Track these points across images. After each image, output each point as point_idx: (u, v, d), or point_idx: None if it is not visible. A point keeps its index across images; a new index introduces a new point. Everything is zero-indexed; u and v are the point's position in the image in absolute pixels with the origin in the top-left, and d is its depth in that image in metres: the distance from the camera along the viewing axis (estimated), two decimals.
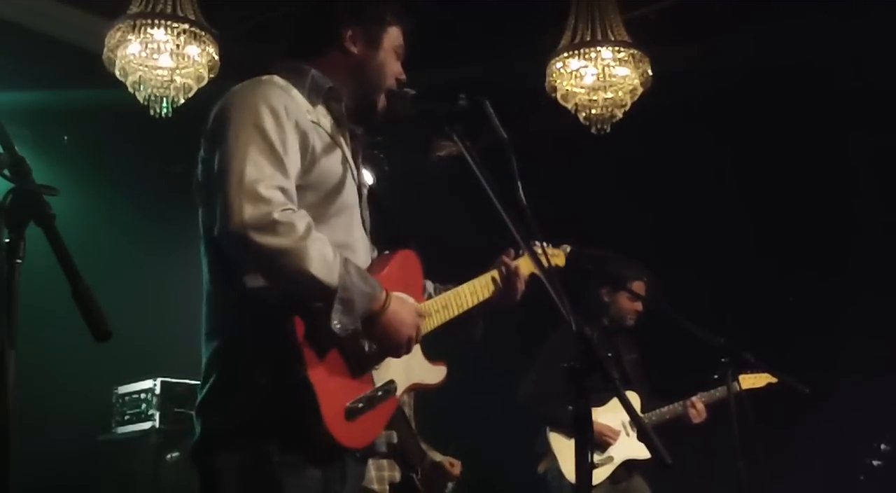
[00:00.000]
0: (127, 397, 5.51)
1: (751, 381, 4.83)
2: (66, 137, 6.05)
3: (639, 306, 5.05)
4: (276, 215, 1.98)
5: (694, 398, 4.93)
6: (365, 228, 2.37)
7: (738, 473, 3.81)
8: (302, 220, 2.03)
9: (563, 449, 4.78)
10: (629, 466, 4.88)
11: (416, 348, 2.37)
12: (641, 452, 4.75)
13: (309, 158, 2.17)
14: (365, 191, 2.40)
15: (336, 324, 2.02)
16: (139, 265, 5.85)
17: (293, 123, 2.15)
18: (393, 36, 2.44)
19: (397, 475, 4.12)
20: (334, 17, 2.39)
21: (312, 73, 2.32)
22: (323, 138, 2.23)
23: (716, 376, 4.59)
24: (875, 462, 4.36)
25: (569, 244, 3.79)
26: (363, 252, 2.32)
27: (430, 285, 2.62)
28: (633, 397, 4.90)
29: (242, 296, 2.10)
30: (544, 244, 2.57)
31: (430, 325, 2.42)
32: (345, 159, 2.27)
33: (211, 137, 2.17)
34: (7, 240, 1.56)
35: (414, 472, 4.11)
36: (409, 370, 2.37)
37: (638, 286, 5.00)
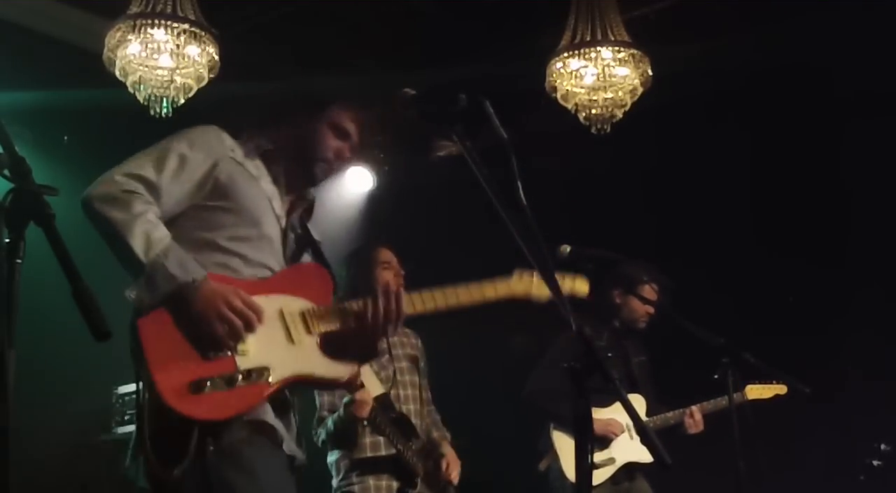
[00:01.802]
0: (127, 398, 5.50)
1: (758, 392, 4.83)
2: (66, 137, 6.05)
3: (650, 308, 5.03)
4: (118, 194, 2.36)
5: (693, 407, 4.91)
6: (285, 258, 2.68)
7: (738, 473, 3.81)
8: (143, 204, 2.37)
9: (566, 448, 4.78)
10: (631, 468, 4.87)
11: (311, 344, 2.54)
12: (644, 455, 4.74)
13: (218, 182, 2.54)
14: (292, 235, 2.72)
15: (130, 293, 2.31)
16: None
17: (205, 151, 2.55)
18: (330, 117, 2.76)
19: (395, 486, 4.11)
20: (280, 104, 2.86)
21: (255, 136, 2.73)
22: (242, 175, 2.60)
23: (716, 377, 4.58)
24: (875, 462, 4.36)
25: (569, 244, 3.80)
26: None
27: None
28: (639, 400, 4.89)
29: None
30: (564, 276, 2.96)
31: (323, 326, 2.57)
32: (268, 202, 2.63)
33: None
34: (7, 240, 1.56)
35: (411, 485, 4.11)
36: (298, 362, 2.50)
37: (649, 289, 4.99)
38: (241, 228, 2.53)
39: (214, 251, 2.49)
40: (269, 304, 2.48)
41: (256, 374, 2.38)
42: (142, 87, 4.56)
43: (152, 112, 4.61)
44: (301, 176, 2.76)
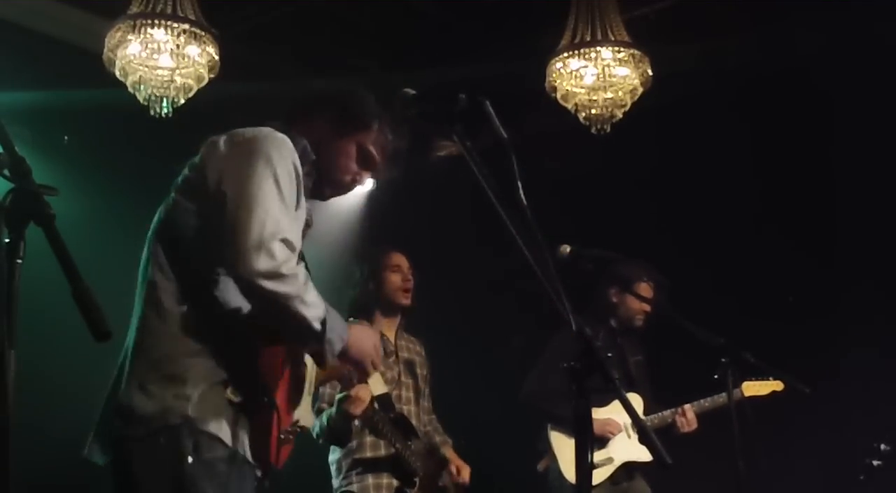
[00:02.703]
0: None
1: (755, 389, 4.83)
2: (66, 137, 6.05)
3: (647, 307, 5.03)
4: (284, 269, 2.24)
5: (686, 406, 4.91)
6: None
7: (738, 473, 3.81)
8: (302, 271, 2.30)
9: (564, 448, 4.78)
10: (630, 468, 4.87)
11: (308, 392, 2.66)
12: (642, 454, 4.74)
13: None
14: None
15: (329, 358, 2.37)
16: (139, 265, 5.83)
17: (299, 182, 2.40)
18: (363, 139, 2.62)
19: (394, 485, 4.11)
20: (319, 98, 2.67)
21: (305, 143, 2.54)
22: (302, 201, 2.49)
23: (715, 377, 4.59)
24: (875, 462, 4.35)
25: (569, 244, 3.80)
26: None
27: None
28: (636, 400, 4.89)
29: (211, 310, 2.33)
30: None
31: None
32: (307, 226, 2.57)
33: (218, 177, 2.34)
34: (7, 240, 1.56)
35: (410, 484, 4.11)
36: (305, 412, 2.65)
37: (646, 288, 5.00)
38: None
39: None
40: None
41: (297, 429, 2.56)
42: (142, 87, 4.56)
43: (152, 112, 4.61)
44: (312, 187, 2.64)
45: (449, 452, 4.37)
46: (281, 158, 2.35)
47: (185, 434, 2.23)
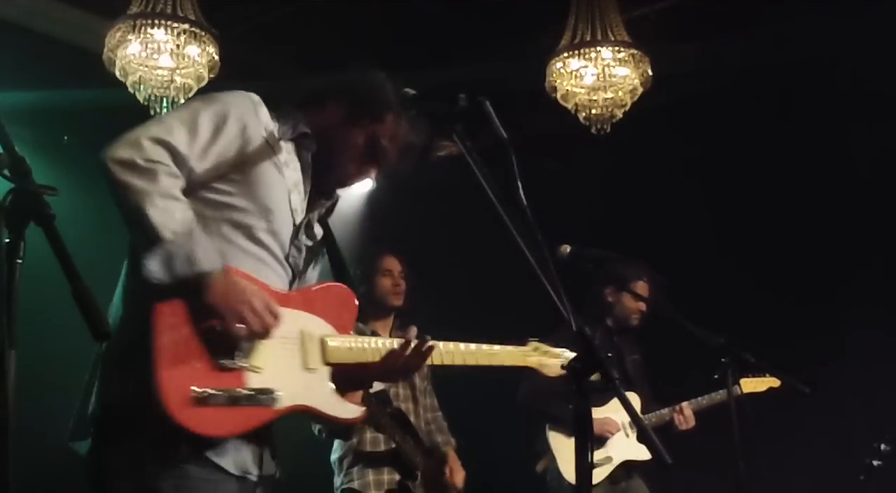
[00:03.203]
0: None
1: (752, 385, 4.83)
2: (66, 137, 6.05)
3: (643, 305, 5.04)
4: (142, 162, 2.13)
5: (684, 404, 4.91)
6: (289, 264, 2.39)
7: (738, 473, 3.81)
8: (169, 177, 2.14)
9: (562, 448, 4.78)
10: (628, 467, 4.87)
11: (324, 375, 2.33)
12: (641, 453, 4.75)
13: (241, 157, 2.27)
14: (304, 237, 2.44)
15: (147, 268, 2.06)
16: None
17: (239, 126, 2.27)
18: (372, 128, 2.46)
19: (396, 480, 4.12)
20: (334, 83, 2.54)
21: (298, 119, 2.43)
22: (269, 161, 2.32)
23: (716, 377, 4.58)
24: (875, 462, 4.35)
25: (569, 244, 3.79)
26: (276, 277, 2.34)
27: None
28: (634, 399, 4.89)
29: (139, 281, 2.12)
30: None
31: (339, 357, 2.36)
32: (287, 194, 2.36)
33: None
34: (7, 240, 1.56)
35: (411, 478, 4.12)
36: (308, 392, 2.29)
37: (642, 286, 5.00)
38: (249, 216, 2.28)
39: (213, 236, 2.22)
40: (292, 320, 2.26)
41: (264, 396, 2.16)
42: (142, 87, 4.57)
43: (152, 112, 4.61)
44: (324, 173, 2.47)
45: (449, 453, 4.37)
46: (214, 97, 2.31)
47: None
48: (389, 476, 4.11)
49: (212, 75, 4.61)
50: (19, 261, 1.55)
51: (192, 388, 2.07)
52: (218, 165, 2.25)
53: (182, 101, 4.64)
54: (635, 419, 1.94)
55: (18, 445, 1.51)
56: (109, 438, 2.18)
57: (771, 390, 4.77)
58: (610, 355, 4.80)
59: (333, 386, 2.35)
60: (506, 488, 5.78)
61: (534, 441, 4.99)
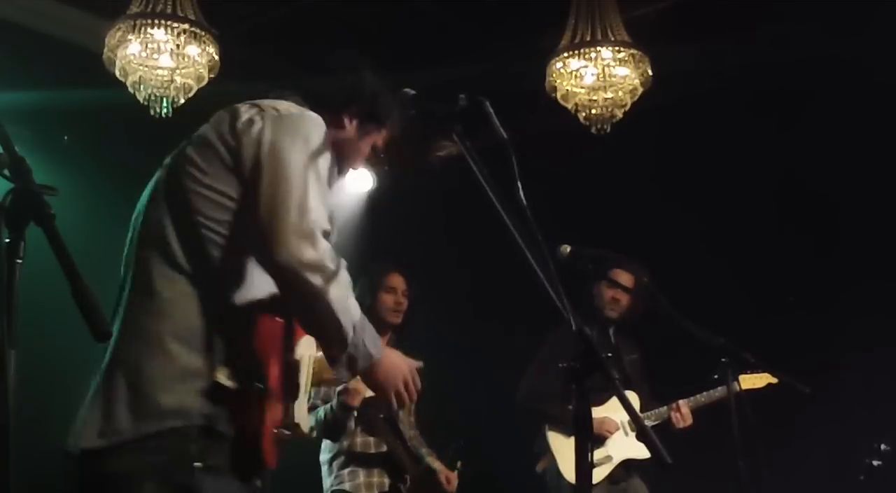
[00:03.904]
0: None
1: (751, 382, 4.82)
2: (66, 137, 6.05)
3: (619, 295, 4.99)
4: (329, 263, 2.12)
5: (681, 402, 4.91)
6: None
7: (738, 473, 3.81)
8: (344, 270, 2.17)
9: (562, 448, 4.79)
10: (627, 466, 4.87)
11: (304, 393, 2.44)
12: (640, 452, 4.75)
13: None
14: None
15: (337, 374, 2.23)
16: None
17: (327, 179, 2.27)
18: (380, 134, 2.58)
19: (386, 482, 4.13)
20: (348, 95, 2.54)
21: (332, 134, 2.41)
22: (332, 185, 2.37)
23: (716, 377, 4.58)
24: (875, 462, 4.35)
25: (569, 244, 3.80)
26: None
27: None
28: (633, 398, 4.89)
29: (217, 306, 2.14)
30: None
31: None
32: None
33: (257, 152, 2.19)
34: (7, 240, 1.55)
35: (402, 481, 4.14)
36: (300, 411, 2.42)
37: (621, 275, 4.95)
38: None
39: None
40: (306, 347, 2.38)
41: (294, 426, 2.36)
42: (142, 87, 4.57)
43: (152, 112, 4.61)
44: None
45: (435, 462, 4.41)
46: (320, 141, 2.26)
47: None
48: (380, 479, 4.13)
49: (212, 75, 4.61)
50: (19, 261, 1.55)
51: (275, 429, 2.20)
52: None
53: (182, 101, 4.64)
54: (635, 419, 1.94)
55: (18, 445, 1.51)
56: (145, 447, 2.09)
57: (770, 386, 4.77)
58: (610, 354, 4.80)
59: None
60: (506, 488, 5.78)
61: (533, 442, 4.99)
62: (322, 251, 2.11)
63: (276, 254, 2.09)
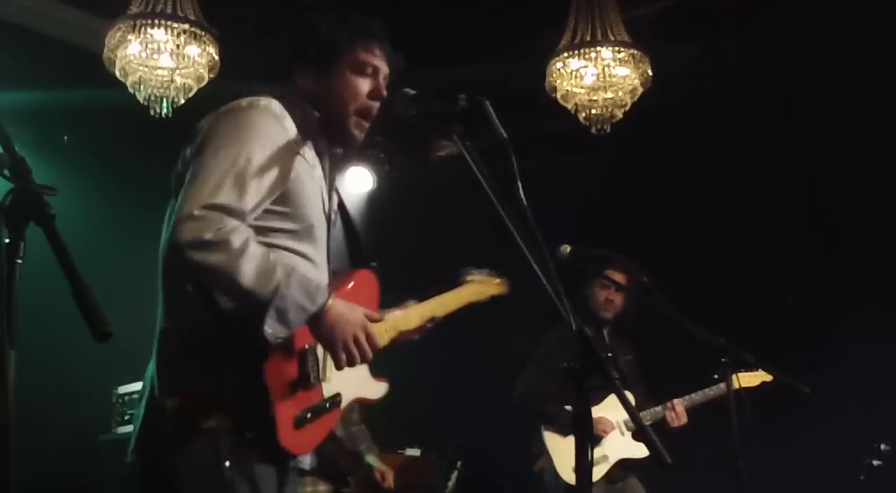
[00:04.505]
0: (127, 397, 5.51)
1: (746, 380, 4.82)
2: (66, 137, 6.05)
3: (611, 295, 4.99)
4: (208, 235, 2.05)
5: (676, 401, 4.90)
6: (326, 251, 2.45)
7: (738, 473, 3.81)
8: (237, 236, 2.08)
9: (559, 448, 4.79)
10: (625, 466, 4.88)
11: (364, 365, 2.42)
12: (637, 451, 4.77)
13: (286, 188, 2.25)
14: (333, 214, 2.49)
15: (268, 330, 2.07)
16: (139, 265, 5.82)
17: (279, 158, 2.22)
18: (350, 60, 2.44)
19: (321, 489, 4.12)
20: (286, 56, 2.50)
21: (304, 105, 2.39)
22: (303, 168, 2.31)
23: (715, 376, 4.59)
24: (875, 462, 4.35)
25: (569, 244, 3.80)
26: (321, 269, 2.40)
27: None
28: (629, 398, 4.89)
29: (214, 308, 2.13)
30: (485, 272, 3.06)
31: (385, 338, 2.50)
32: (318, 186, 2.38)
33: (193, 151, 2.23)
34: (7, 240, 1.55)
35: (346, 485, 4.14)
36: (357, 384, 2.45)
37: (613, 274, 4.94)
38: (294, 237, 2.30)
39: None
40: None
41: (335, 401, 2.32)
42: (142, 87, 4.57)
43: (152, 112, 4.61)
44: (337, 139, 2.46)
45: (373, 459, 4.43)
46: (263, 125, 2.23)
47: None
48: (314, 488, 4.12)
49: (212, 75, 4.61)
50: (19, 261, 1.55)
51: (297, 414, 2.18)
52: (264, 203, 2.22)
53: (182, 101, 4.64)
54: (634, 419, 1.94)
55: (18, 445, 1.51)
56: (183, 448, 2.13)
57: (764, 384, 4.77)
58: (610, 354, 4.80)
59: (370, 372, 2.52)
60: (505, 487, 5.78)
61: (531, 442, 4.99)
62: (203, 226, 2.05)
63: (166, 246, 2.11)
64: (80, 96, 5.42)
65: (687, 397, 4.91)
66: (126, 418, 5.49)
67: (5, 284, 1.54)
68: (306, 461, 2.33)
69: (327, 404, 2.29)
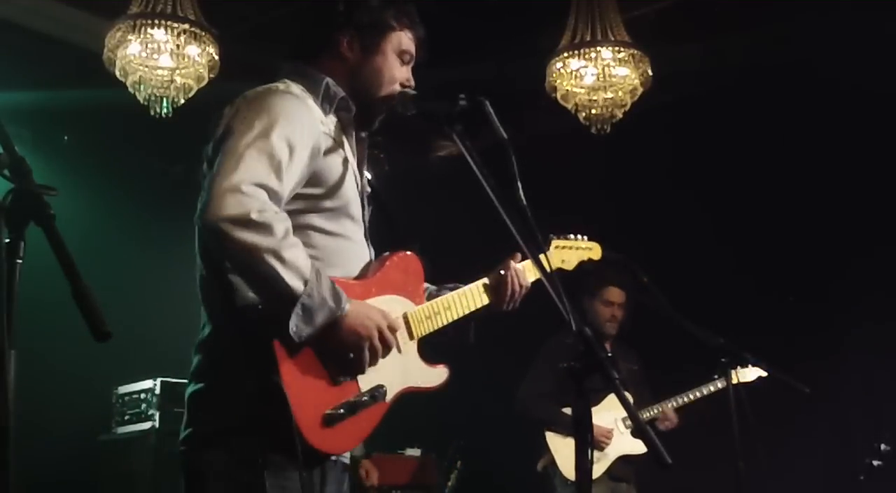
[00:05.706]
0: (127, 397, 5.51)
1: (742, 375, 4.83)
2: (66, 137, 6.05)
3: (615, 312, 5.04)
4: (254, 215, 2.01)
5: (663, 403, 4.92)
6: (364, 227, 2.41)
7: (738, 473, 3.81)
8: (280, 223, 2.06)
9: (560, 448, 4.81)
10: (625, 461, 4.89)
11: (413, 351, 2.40)
12: (635, 447, 4.79)
13: (314, 167, 2.22)
14: (367, 192, 2.45)
15: (293, 328, 2.04)
16: (139, 265, 5.84)
17: (306, 139, 2.19)
18: (395, 41, 2.42)
19: None
20: (331, 22, 2.42)
21: (327, 81, 2.35)
22: (329, 146, 2.27)
23: (715, 377, 4.59)
24: (875, 462, 4.36)
25: None
26: (360, 246, 2.37)
27: (430, 288, 2.63)
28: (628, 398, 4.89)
29: (233, 303, 2.12)
30: (579, 236, 2.99)
31: (424, 329, 2.45)
32: (346, 162, 2.32)
33: (220, 136, 2.19)
34: (7, 240, 1.55)
35: None
36: (405, 374, 2.37)
37: (613, 292, 5.01)
38: (331, 216, 2.27)
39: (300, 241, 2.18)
40: (380, 308, 2.28)
41: (376, 394, 2.23)
42: (142, 87, 4.57)
43: (152, 112, 4.61)
44: (360, 119, 2.42)
45: (359, 451, 4.45)
46: (285, 108, 2.19)
47: None
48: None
49: (212, 75, 4.61)
50: (19, 261, 1.55)
51: (326, 412, 2.13)
52: (296, 186, 2.20)
53: (182, 101, 4.64)
54: (635, 420, 1.94)
55: (18, 445, 1.51)
56: (216, 446, 2.13)
57: (760, 380, 4.77)
58: (610, 355, 4.80)
59: (421, 359, 2.44)
60: (505, 487, 5.78)
61: (532, 441, 4.99)
62: (249, 205, 2.01)
63: (201, 218, 2.03)
64: (80, 96, 5.43)
65: (673, 398, 4.93)
66: (126, 418, 5.49)
67: (5, 284, 1.53)
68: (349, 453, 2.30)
69: (366, 398, 2.21)
